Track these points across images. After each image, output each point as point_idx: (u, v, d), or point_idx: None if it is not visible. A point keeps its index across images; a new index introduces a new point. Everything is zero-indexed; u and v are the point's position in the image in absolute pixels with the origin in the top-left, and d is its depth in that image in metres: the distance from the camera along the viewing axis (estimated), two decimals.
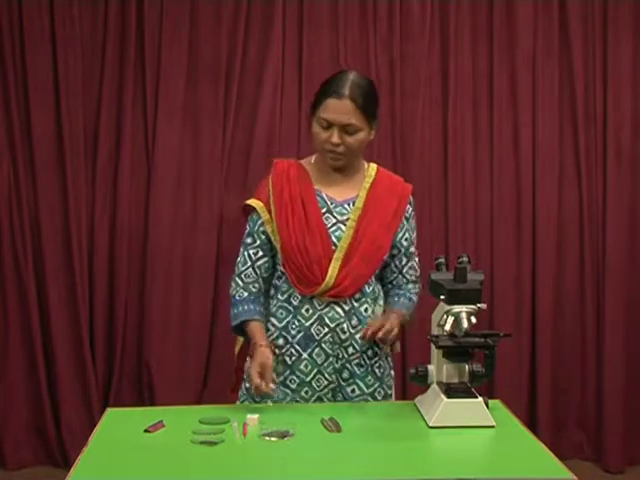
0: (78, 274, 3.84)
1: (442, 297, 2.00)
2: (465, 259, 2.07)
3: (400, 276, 2.32)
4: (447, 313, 1.98)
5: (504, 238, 3.96)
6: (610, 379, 3.91)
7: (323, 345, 2.18)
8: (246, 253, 2.26)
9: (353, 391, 2.22)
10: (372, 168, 2.30)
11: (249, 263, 2.25)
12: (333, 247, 2.17)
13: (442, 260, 2.12)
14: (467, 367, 2.01)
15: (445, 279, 2.01)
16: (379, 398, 2.26)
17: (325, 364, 2.19)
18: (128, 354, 3.93)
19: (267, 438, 1.87)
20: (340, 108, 2.11)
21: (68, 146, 3.81)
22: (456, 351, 2.01)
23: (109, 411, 2.14)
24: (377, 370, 2.25)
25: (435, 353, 2.06)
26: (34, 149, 3.82)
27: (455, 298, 1.97)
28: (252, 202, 2.26)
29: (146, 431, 1.92)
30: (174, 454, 1.80)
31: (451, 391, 1.98)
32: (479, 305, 1.97)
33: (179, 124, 3.88)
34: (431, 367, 2.08)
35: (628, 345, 3.95)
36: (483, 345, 2.00)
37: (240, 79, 3.87)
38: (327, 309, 2.18)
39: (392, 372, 2.34)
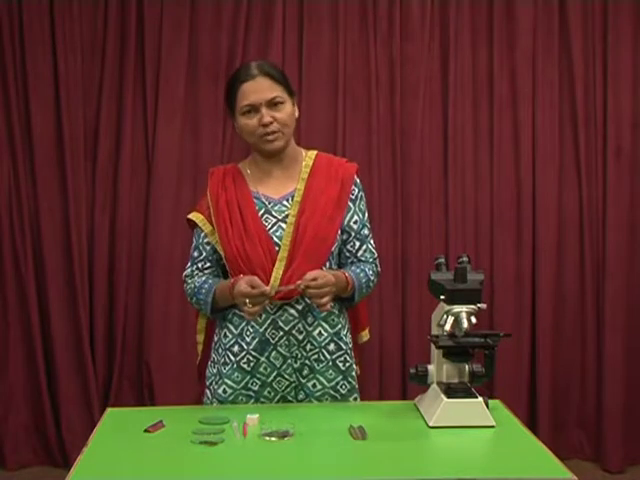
0: (78, 274, 3.84)
1: (442, 297, 2.00)
2: (465, 259, 2.07)
3: (355, 260, 2.24)
4: (447, 313, 1.97)
5: (504, 238, 3.96)
6: (610, 379, 3.90)
7: (279, 349, 2.13)
8: (194, 266, 2.23)
9: (314, 386, 2.17)
10: (310, 156, 2.23)
11: (197, 272, 2.23)
12: (276, 248, 2.11)
13: (442, 260, 2.11)
14: (467, 367, 2.01)
15: (445, 279, 2.01)
16: (343, 392, 2.20)
17: (284, 366, 2.15)
18: (128, 354, 3.93)
19: (267, 438, 1.86)
20: (257, 87, 2.10)
21: (68, 146, 3.82)
22: (456, 351, 2.01)
23: (109, 411, 2.14)
24: (340, 364, 2.19)
25: (435, 353, 2.06)
26: (34, 149, 3.82)
27: (455, 298, 1.97)
28: (192, 216, 2.23)
29: (146, 431, 1.92)
30: (174, 454, 1.79)
31: (451, 391, 1.98)
32: (479, 305, 1.97)
33: (179, 124, 3.88)
34: (431, 367, 2.08)
35: (628, 345, 3.94)
36: (483, 345, 2.00)
37: None
38: (280, 312, 2.12)
39: (355, 366, 2.25)
